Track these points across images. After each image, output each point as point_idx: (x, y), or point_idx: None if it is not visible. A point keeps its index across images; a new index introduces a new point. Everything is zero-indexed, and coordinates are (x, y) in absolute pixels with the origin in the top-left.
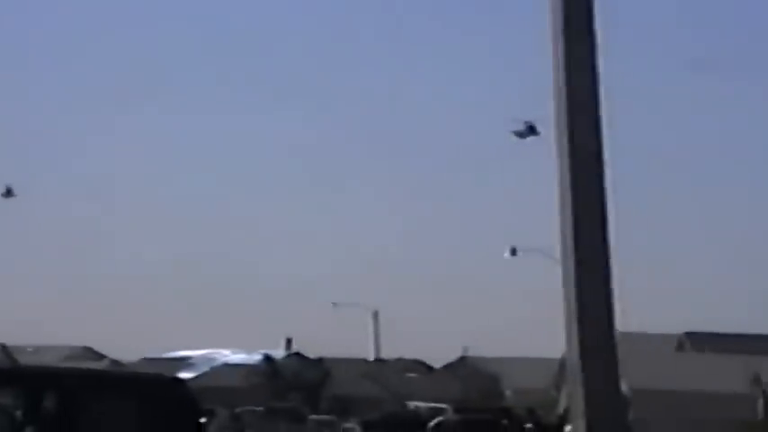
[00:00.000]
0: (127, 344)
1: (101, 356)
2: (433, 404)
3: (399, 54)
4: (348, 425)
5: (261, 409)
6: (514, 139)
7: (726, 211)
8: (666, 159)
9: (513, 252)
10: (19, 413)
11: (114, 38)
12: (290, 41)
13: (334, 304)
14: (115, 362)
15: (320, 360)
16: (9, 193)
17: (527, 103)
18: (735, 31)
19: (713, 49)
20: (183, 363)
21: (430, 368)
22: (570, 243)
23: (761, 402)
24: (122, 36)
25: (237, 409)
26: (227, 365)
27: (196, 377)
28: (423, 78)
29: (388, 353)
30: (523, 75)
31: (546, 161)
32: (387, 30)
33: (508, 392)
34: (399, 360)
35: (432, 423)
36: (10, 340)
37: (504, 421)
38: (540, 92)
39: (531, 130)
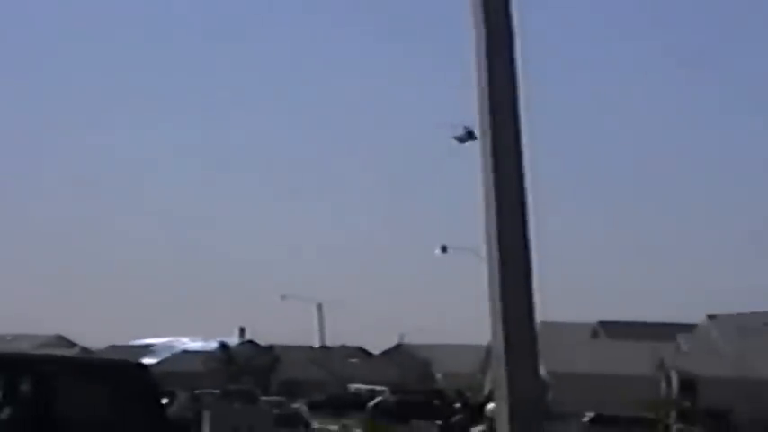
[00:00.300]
0: (95, 333)
1: (72, 344)
2: (372, 387)
3: (343, 56)
4: (296, 405)
5: (217, 391)
6: (455, 143)
7: (634, 212)
8: (583, 161)
9: (444, 249)
10: None
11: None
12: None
13: (283, 297)
14: (85, 349)
15: (271, 347)
16: None
17: (468, 109)
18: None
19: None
20: (147, 350)
21: (369, 354)
22: (495, 244)
23: (663, 384)
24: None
25: (196, 392)
26: (186, 352)
27: (158, 363)
28: (370, 83)
29: (331, 340)
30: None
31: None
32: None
33: (439, 376)
34: (342, 347)
35: (371, 403)
36: None
37: (436, 401)
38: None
39: (470, 135)
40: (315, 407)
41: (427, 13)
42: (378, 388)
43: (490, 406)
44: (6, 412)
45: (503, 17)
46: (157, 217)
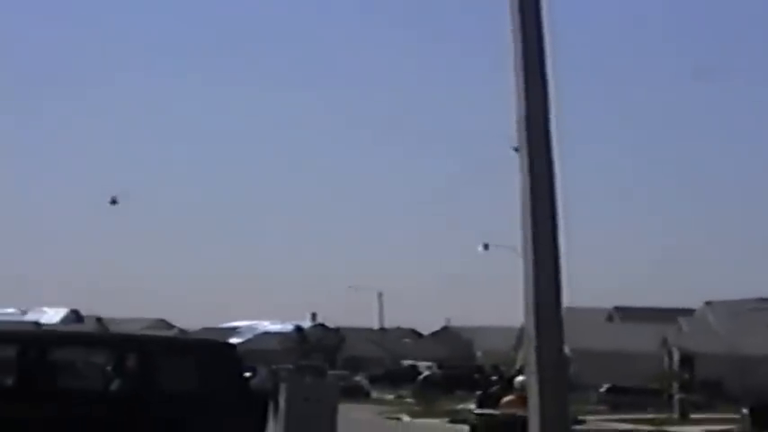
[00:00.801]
0: (191, 316)
1: (171, 326)
2: (422, 362)
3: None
4: (358, 378)
5: (292, 366)
6: (512, 153)
7: (647, 212)
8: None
9: (486, 247)
10: (109, 368)
11: None
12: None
13: (350, 287)
14: (182, 330)
15: (337, 329)
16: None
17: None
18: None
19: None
20: (233, 331)
21: (420, 335)
22: (530, 244)
23: (666, 359)
24: None
25: (274, 367)
26: (266, 333)
27: (243, 342)
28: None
29: (388, 323)
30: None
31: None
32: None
33: (479, 353)
34: (397, 329)
35: (421, 377)
36: (104, 313)
37: (476, 375)
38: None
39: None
40: (374, 380)
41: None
42: (427, 363)
43: (519, 378)
44: (116, 383)
45: (534, 42)
46: (252, 217)
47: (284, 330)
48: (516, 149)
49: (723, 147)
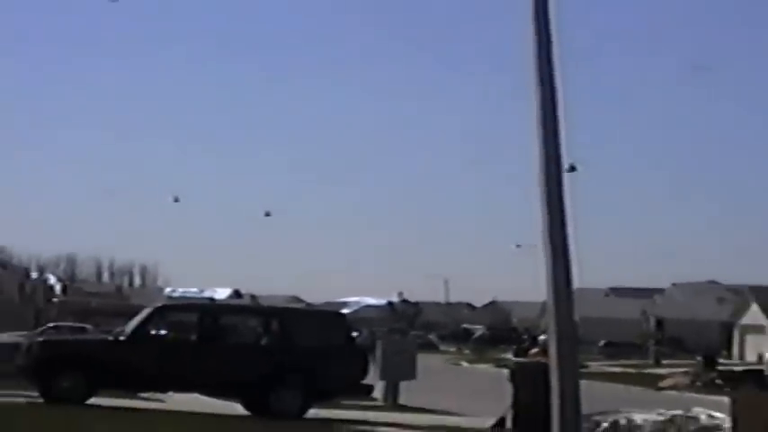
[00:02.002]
0: (316, 292)
1: (301, 301)
2: (475, 326)
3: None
4: (430, 336)
5: (385, 329)
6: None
7: (640, 200)
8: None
9: (518, 246)
10: (260, 329)
11: None
12: None
13: (426, 276)
14: (308, 304)
15: (416, 303)
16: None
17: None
18: None
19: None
20: (344, 304)
21: (474, 307)
22: (548, 241)
23: (645, 324)
24: None
25: (372, 329)
26: (368, 306)
27: (350, 312)
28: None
29: (453, 298)
30: None
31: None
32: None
33: (515, 320)
34: (458, 303)
35: (474, 335)
36: (257, 292)
37: (513, 335)
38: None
39: (573, 168)
40: (442, 338)
41: None
42: (478, 327)
43: (542, 337)
44: (264, 339)
45: (549, 89)
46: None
47: (379, 304)
48: (573, 168)
49: (703, 146)
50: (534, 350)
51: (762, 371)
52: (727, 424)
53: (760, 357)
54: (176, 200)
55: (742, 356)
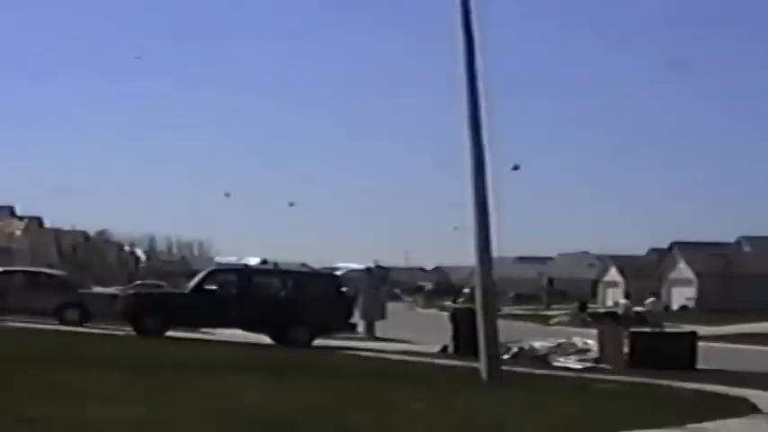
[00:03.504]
0: (317, 262)
1: (308, 266)
2: (426, 283)
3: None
4: (396, 290)
5: (364, 286)
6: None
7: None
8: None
9: (456, 228)
10: (280, 286)
11: None
12: None
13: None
14: (313, 268)
15: (386, 268)
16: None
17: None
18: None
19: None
20: (336, 268)
21: (425, 270)
22: (476, 225)
23: (540, 282)
24: None
25: (356, 285)
26: (352, 270)
27: (341, 274)
28: None
29: (412, 264)
30: None
31: None
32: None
33: (454, 279)
34: (415, 268)
35: (425, 289)
36: (278, 260)
37: (452, 289)
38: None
39: (516, 167)
40: (403, 291)
41: None
42: (429, 283)
43: (466, 290)
44: (283, 293)
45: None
46: None
47: (360, 268)
48: (516, 168)
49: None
50: (463, 299)
51: (616, 312)
52: (595, 347)
53: (615, 303)
54: (227, 195)
55: (604, 303)
